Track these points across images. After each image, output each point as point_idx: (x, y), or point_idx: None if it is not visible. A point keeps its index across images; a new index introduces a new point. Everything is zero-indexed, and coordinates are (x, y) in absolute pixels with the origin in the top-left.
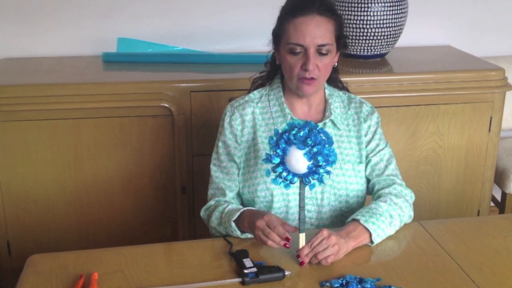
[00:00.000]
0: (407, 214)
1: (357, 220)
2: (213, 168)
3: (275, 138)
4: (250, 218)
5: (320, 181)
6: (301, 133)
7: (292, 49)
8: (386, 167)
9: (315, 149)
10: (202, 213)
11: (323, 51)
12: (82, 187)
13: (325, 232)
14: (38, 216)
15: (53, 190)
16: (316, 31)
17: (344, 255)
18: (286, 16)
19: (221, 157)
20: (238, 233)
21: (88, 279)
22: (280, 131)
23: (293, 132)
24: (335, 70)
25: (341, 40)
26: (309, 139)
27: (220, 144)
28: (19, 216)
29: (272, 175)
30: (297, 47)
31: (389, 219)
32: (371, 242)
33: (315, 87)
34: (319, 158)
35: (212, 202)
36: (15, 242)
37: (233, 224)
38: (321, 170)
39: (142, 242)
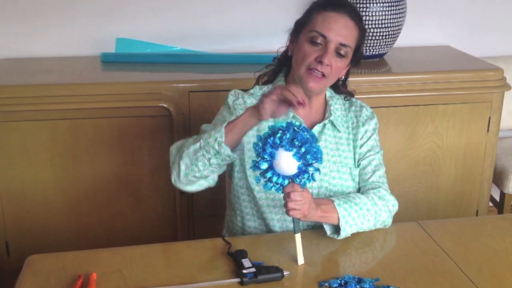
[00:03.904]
0: (383, 217)
1: (331, 200)
2: (205, 126)
3: (260, 144)
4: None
5: (311, 179)
6: (287, 135)
7: (313, 37)
8: (373, 172)
9: (303, 149)
10: (172, 146)
11: (342, 52)
12: (81, 187)
13: (308, 194)
14: (37, 216)
15: (52, 190)
16: (342, 30)
17: (310, 220)
18: (318, 7)
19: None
20: (222, 138)
21: (87, 279)
22: (263, 136)
23: (278, 135)
24: (343, 84)
25: (358, 53)
26: (295, 139)
27: (221, 118)
28: (18, 216)
29: (262, 181)
30: (319, 37)
31: (364, 211)
32: (338, 231)
33: (321, 86)
34: (308, 156)
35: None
36: (14, 242)
37: (222, 130)
38: (311, 169)
39: (140, 243)
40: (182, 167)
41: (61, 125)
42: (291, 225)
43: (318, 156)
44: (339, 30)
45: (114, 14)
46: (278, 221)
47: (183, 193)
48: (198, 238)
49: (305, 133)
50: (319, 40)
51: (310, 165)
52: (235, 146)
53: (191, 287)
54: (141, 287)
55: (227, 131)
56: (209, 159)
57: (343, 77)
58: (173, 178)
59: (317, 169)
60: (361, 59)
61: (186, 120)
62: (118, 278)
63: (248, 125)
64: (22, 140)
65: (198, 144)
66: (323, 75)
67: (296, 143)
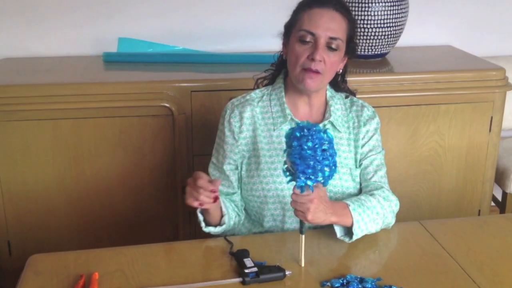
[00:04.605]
0: (389, 219)
1: (346, 204)
2: (211, 166)
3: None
4: None
5: (306, 186)
6: (294, 134)
7: (302, 36)
8: (375, 172)
9: (289, 155)
10: None
11: (333, 46)
12: (83, 187)
13: (314, 197)
14: (39, 216)
15: (54, 190)
16: (329, 24)
17: (321, 224)
18: (303, 7)
19: (219, 156)
20: (203, 224)
21: (89, 279)
22: (295, 126)
23: (295, 131)
24: (343, 80)
25: (351, 44)
26: (293, 142)
27: (218, 141)
28: (20, 216)
29: (284, 167)
30: (307, 35)
31: (374, 215)
32: (350, 235)
33: (318, 83)
34: (294, 165)
35: None
36: (16, 242)
37: (199, 217)
38: (302, 176)
39: (142, 242)
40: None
41: (63, 125)
42: (289, 227)
43: (300, 170)
44: (326, 24)
45: (116, 13)
46: (281, 222)
47: (184, 192)
48: (200, 238)
49: (309, 143)
50: (308, 38)
51: (295, 172)
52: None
53: (193, 287)
54: (143, 287)
55: (206, 216)
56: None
57: (341, 71)
58: None
59: (312, 180)
60: (357, 49)
61: (188, 120)
62: (120, 278)
63: (210, 213)
64: (24, 139)
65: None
66: (318, 72)
67: (294, 143)
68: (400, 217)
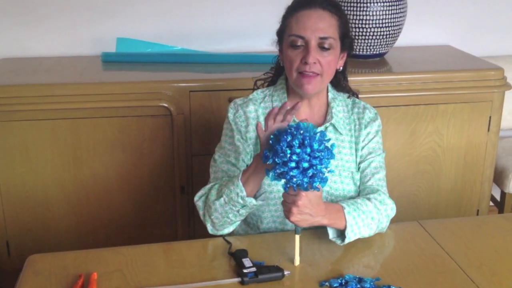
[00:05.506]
0: (384, 224)
1: (341, 207)
2: (218, 159)
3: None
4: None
5: (286, 187)
6: (277, 132)
7: (293, 41)
8: (372, 175)
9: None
10: (196, 198)
11: (325, 45)
12: (82, 187)
13: (298, 199)
14: (37, 216)
15: (53, 190)
16: (318, 24)
17: (309, 226)
18: (290, 11)
19: (229, 152)
20: (244, 193)
21: (88, 279)
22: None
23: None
24: (344, 77)
25: (346, 40)
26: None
27: (227, 139)
28: (19, 216)
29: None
30: (298, 39)
31: (369, 220)
32: (342, 237)
33: (316, 85)
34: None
35: (209, 186)
36: (15, 242)
37: (239, 184)
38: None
39: (141, 242)
40: (215, 220)
41: (62, 125)
42: (290, 228)
43: (276, 171)
44: (314, 25)
45: (115, 14)
46: (280, 223)
47: (183, 192)
48: (199, 238)
49: (283, 153)
50: (299, 42)
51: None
52: (257, 191)
53: (192, 287)
54: (141, 287)
55: (244, 183)
56: (238, 211)
57: (341, 68)
58: (210, 230)
59: (287, 177)
60: (354, 44)
61: (187, 120)
62: (118, 278)
63: (261, 173)
64: (23, 139)
65: (222, 200)
66: (316, 74)
67: (270, 141)
68: (399, 217)
